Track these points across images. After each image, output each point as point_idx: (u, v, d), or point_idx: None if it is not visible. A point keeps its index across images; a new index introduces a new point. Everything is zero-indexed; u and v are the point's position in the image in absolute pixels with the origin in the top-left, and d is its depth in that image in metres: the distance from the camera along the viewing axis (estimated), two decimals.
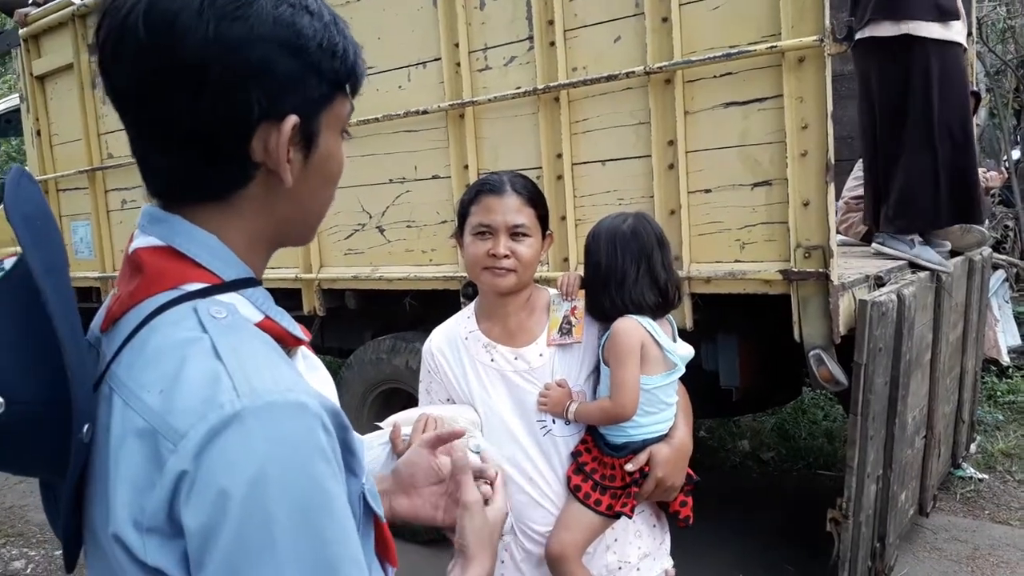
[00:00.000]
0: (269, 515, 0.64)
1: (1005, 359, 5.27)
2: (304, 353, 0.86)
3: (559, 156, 2.98)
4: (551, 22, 2.94)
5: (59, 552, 4.09)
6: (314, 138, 0.79)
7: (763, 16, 2.50)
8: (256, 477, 0.64)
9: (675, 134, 2.69)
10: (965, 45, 3.36)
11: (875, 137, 3.39)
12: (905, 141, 3.24)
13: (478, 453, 1.68)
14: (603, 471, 1.68)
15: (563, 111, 2.95)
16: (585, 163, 2.95)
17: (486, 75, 3.16)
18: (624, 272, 1.69)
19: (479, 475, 1.11)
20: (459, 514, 1.04)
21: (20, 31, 4.90)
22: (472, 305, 1.84)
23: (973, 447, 4.18)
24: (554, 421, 1.70)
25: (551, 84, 2.94)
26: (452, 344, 1.79)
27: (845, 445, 4.46)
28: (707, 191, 2.69)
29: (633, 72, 2.74)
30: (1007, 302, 5.81)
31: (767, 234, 2.59)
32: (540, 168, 3.03)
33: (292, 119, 0.75)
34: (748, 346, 3.01)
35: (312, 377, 0.82)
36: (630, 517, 1.69)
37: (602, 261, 1.71)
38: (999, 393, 4.88)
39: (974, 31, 4.31)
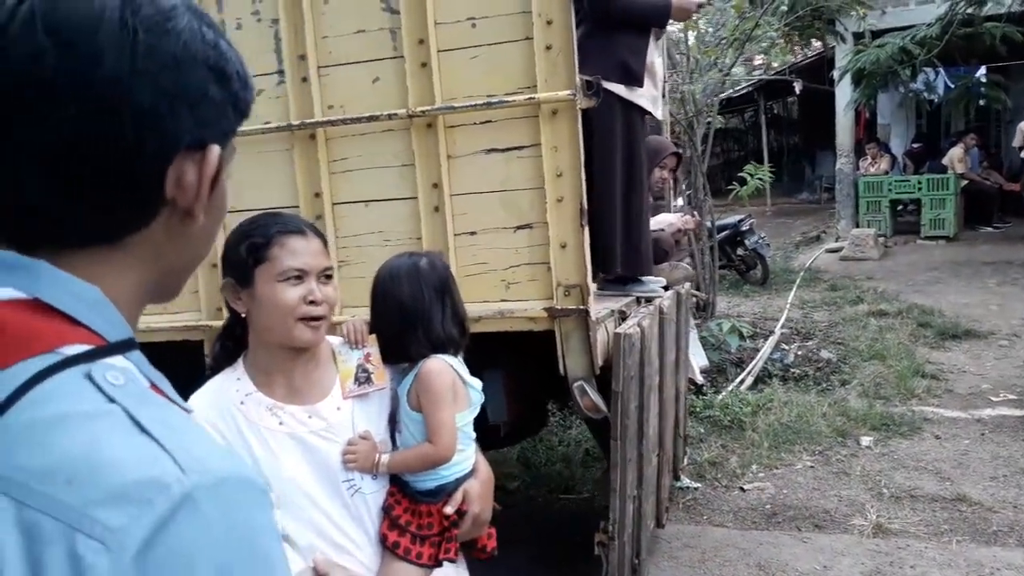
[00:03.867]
0: None
1: (699, 378, 6.03)
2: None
3: (317, 195, 2.87)
4: (303, 57, 2.83)
5: None
6: (219, 174, 0.69)
7: (519, 69, 2.64)
8: (221, 569, 0.54)
9: (439, 177, 2.73)
10: (651, 111, 3.72)
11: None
12: (597, 191, 3.47)
13: (284, 536, 1.52)
14: (418, 521, 1.62)
15: (320, 149, 2.85)
16: (347, 203, 2.87)
17: None
18: (431, 310, 1.67)
19: None
20: None
21: None
22: (239, 364, 1.65)
23: (685, 459, 4.71)
24: (362, 478, 1.61)
25: (306, 120, 2.83)
26: (223, 412, 1.58)
27: (584, 469, 4.80)
28: (472, 233, 2.75)
29: (395, 114, 2.73)
30: (693, 328, 6.68)
31: (530, 274, 2.72)
32: (297, 207, 2.88)
33: (216, 150, 0.66)
34: (512, 381, 3.11)
35: None
36: (454, 561, 1.64)
37: (407, 302, 1.67)
38: (698, 409, 5.56)
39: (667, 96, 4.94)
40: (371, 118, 2.76)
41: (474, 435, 1.73)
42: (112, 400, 0.58)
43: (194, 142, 0.65)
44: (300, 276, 1.53)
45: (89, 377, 0.59)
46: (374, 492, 1.62)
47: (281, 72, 2.87)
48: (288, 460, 1.56)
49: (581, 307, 2.64)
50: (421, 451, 1.61)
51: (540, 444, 5.22)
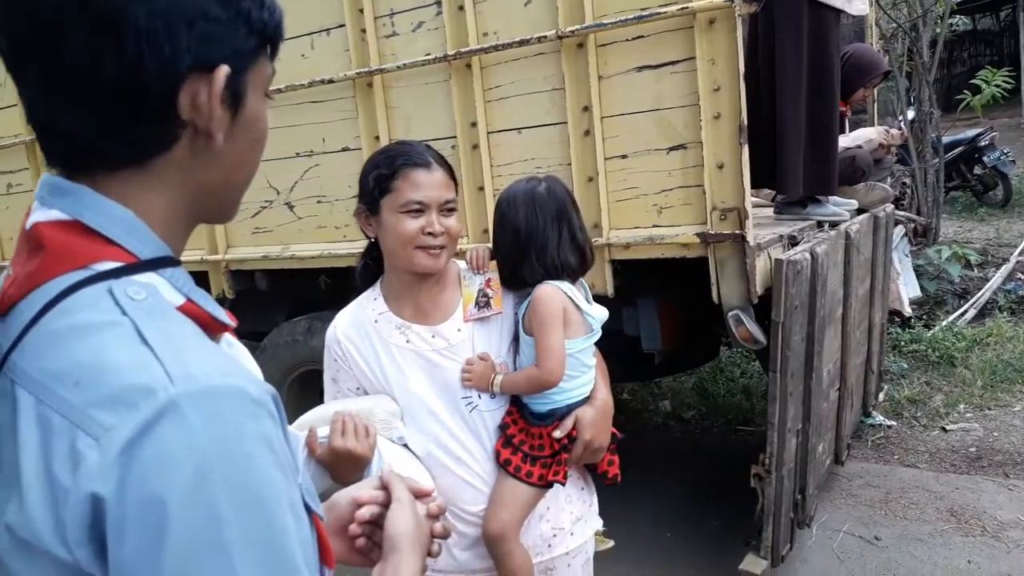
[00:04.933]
0: (216, 512, 0.58)
1: (907, 310, 5.52)
2: (228, 340, 0.79)
3: (473, 125, 2.90)
4: None
5: None
6: (242, 95, 0.72)
7: None
8: (199, 472, 0.57)
9: (590, 99, 2.65)
10: (848, 11, 3.37)
11: (756, 98, 3.36)
12: (777, 104, 3.21)
13: (403, 445, 1.62)
14: (531, 442, 1.65)
15: (476, 78, 2.87)
16: (501, 131, 2.88)
17: (394, 41, 3.04)
18: (546, 236, 1.65)
19: (418, 495, 1.02)
20: (390, 511, 0.97)
21: None
22: (376, 286, 1.75)
23: (881, 396, 4.37)
24: (480, 396, 1.66)
25: (462, 50, 2.85)
26: (360, 329, 1.70)
27: (765, 401, 4.61)
28: (623, 156, 2.67)
29: (545, 36, 2.68)
30: (907, 256, 6.08)
31: (683, 198, 2.60)
32: (455, 137, 2.94)
33: (224, 69, 0.68)
34: (668, 309, 3.03)
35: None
36: (563, 484, 1.67)
37: (521, 227, 1.66)
38: (903, 343, 5.11)
39: None
40: (522, 42, 2.73)
41: (592, 363, 1.71)
42: (125, 313, 0.64)
43: (199, 62, 0.67)
44: (420, 208, 1.57)
45: (110, 292, 0.65)
46: (491, 410, 1.67)
47: (439, 3, 2.91)
48: (413, 375, 1.65)
49: (737, 232, 2.49)
50: (529, 373, 1.63)
51: (721, 375, 5.08)
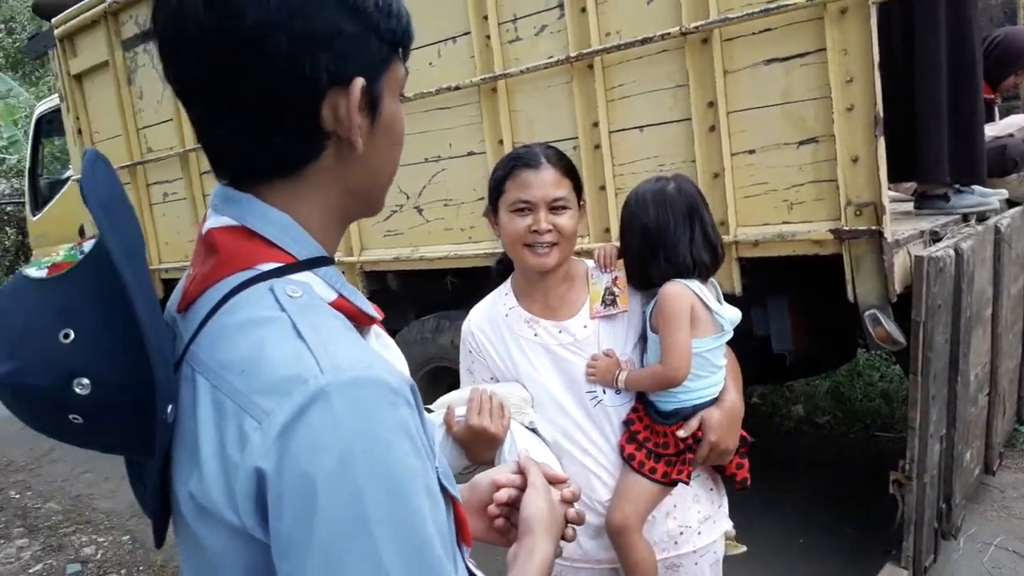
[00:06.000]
0: (359, 492, 0.63)
1: None
2: (376, 332, 0.85)
3: (595, 124, 2.92)
4: None
5: (126, 537, 4.22)
6: (378, 101, 0.78)
7: None
8: (344, 454, 0.63)
9: (715, 95, 2.61)
10: None
11: (892, 85, 3.17)
12: (917, 90, 3.03)
13: (533, 430, 1.67)
14: (656, 439, 1.65)
15: (597, 78, 2.89)
16: (622, 130, 2.89)
17: (517, 46, 3.11)
18: (677, 234, 1.65)
19: (552, 481, 1.06)
20: (525, 495, 1.02)
21: (55, 31, 4.97)
22: (508, 282, 1.82)
23: None
24: (604, 391, 1.68)
25: (584, 51, 2.88)
26: (492, 322, 1.77)
27: (907, 406, 4.37)
28: (751, 152, 2.61)
29: (668, 34, 2.66)
30: None
31: (816, 193, 2.51)
32: (576, 138, 2.97)
33: (360, 82, 0.75)
34: (799, 308, 2.93)
35: (386, 356, 0.81)
36: (687, 483, 1.66)
37: (652, 225, 1.66)
38: None
39: None
40: (644, 40, 2.72)
41: (721, 364, 1.69)
42: (283, 309, 0.71)
43: (336, 77, 0.74)
44: (528, 207, 1.61)
45: (271, 290, 0.73)
46: (616, 406, 1.69)
47: (561, 6, 2.94)
48: (542, 367, 1.70)
49: (874, 228, 2.38)
50: (653, 370, 1.63)
51: (858, 379, 4.85)
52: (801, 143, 2.51)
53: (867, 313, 2.46)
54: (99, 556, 4.14)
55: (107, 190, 0.73)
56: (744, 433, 1.72)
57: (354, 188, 0.82)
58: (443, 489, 0.78)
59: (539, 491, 1.00)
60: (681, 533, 1.71)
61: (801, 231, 2.53)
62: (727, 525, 1.79)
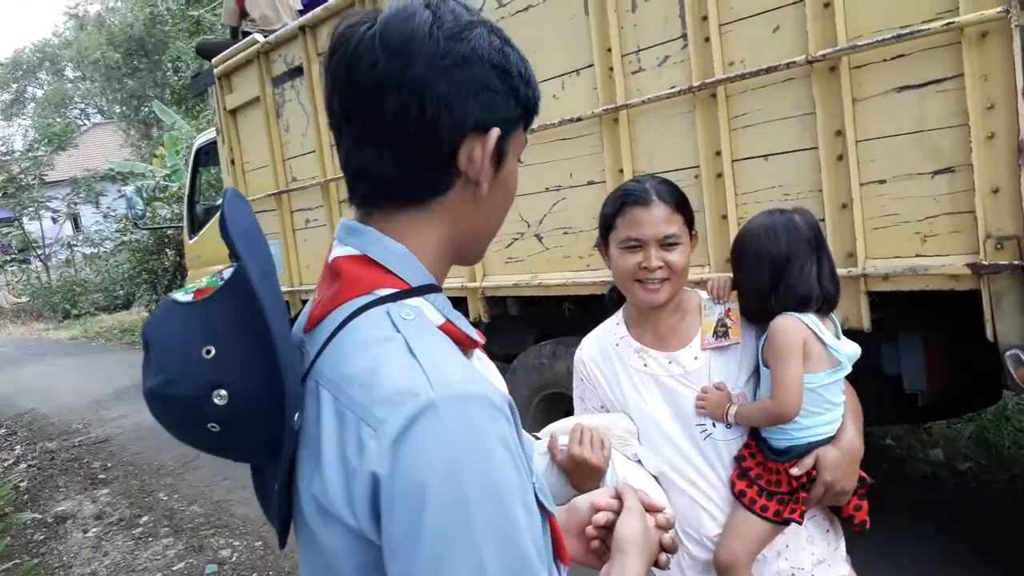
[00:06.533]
0: (465, 497, 0.69)
1: None
2: (479, 356, 0.92)
3: (718, 153, 2.90)
4: (705, 18, 2.87)
5: (259, 543, 4.48)
6: (505, 155, 0.87)
7: None
8: (450, 462, 0.70)
9: (843, 123, 2.54)
10: None
11: None
12: None
13: (637, 461, 1.68)
14: (768, 476, 1.62)
15: (720, 107, 2.87)
16: (746, 159, 2.85)
17: (639, 77, 3.14)
18: (808, 265, 1.62)
19: (648, 508, 1.09)
20: (620, 518, 1.05)
21: (215, 70, 5.44)
22: (620, 311, 1.83)
23: None
24: (714, 425, 1.67)
25: (707, 80, 2.87)
26: (603, 351, 1.79)
27: None
28: (882, 182, 2.52)
29: (794, 62, 2.62)
30: None
31: (951, 225, 2.39)
32: (698, 167, 2.96)
33: (496, 131, 0.83)
34: (934, 346, 2.78)
35: (488, 377, 0.87)
36: (799, 523, 1.62)
37: (782, 255, 1.62)
38: None
39: None
40: (769, 69, 2.69)
41: (839, 400, 1.63)
42: (398, 330, 0.79)
43: (479, 124, 0.83)
44: (638, 244, 1.63)
45: (388, 313, 0.81)
46: (727, 440, 1.66)
47: (684, 36, 2.96)
48: (650, 398, 1.71)
49: (1017, 262, 2.24)
50: (763, 406, 1.60)
51: (1007, 424, 4.49)
52: (936, 173, 2.40)
53: (1008, 353, 2.31)
54: (234, 559, 4.41)
55: (245, 222, 0.83)
56: (863, 474, 1.66)
57: (468, 230, 0.90)
58: (540, 505, 0.82)
59: (634, 514, 1.03)
60: (793, 574, 1.66)
61: (935, 265, 2.41)
62: (844, 570, 1.71)
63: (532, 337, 4.20)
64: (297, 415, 0.78)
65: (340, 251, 0.88)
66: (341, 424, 0.76)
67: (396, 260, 0.86)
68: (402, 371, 0.74)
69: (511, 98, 0.85)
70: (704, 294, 1.78)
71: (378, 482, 0.71)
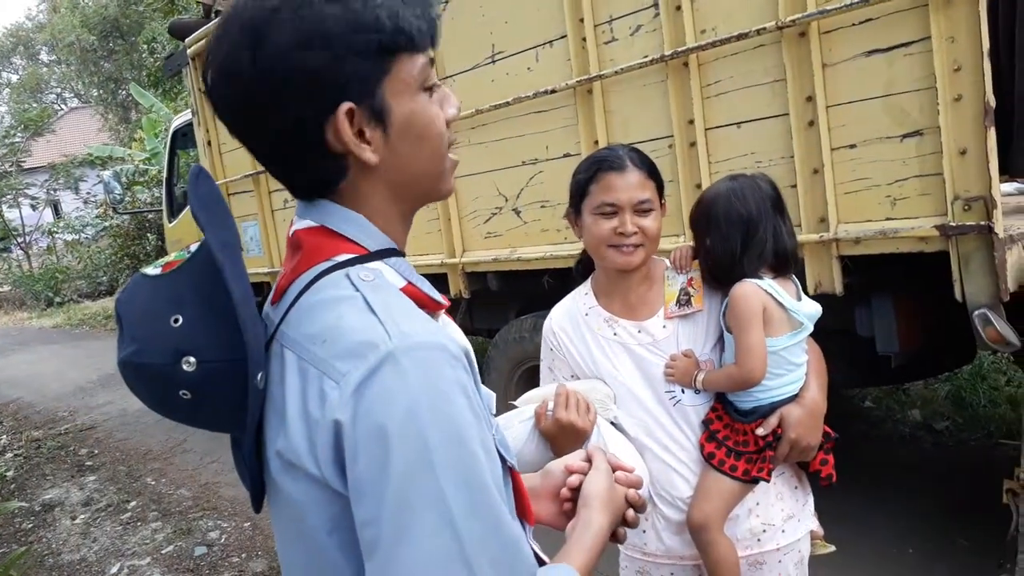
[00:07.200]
0: (425, 438, 0.72)
1: None
2: (444, 320, 0.93)
3: (691, 122, 2.91)
4: None
5: (247, 524, 4.51)
6: (383, 111, 0.84)
7: None
8: (411, 408, 0.72)
9: (813, 89, 2.56)
10: None
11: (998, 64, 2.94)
12: (1015, 84, 2.79)
13: (616, 425, 1.70)
14: (736, 437, 1.65)
15: (693, 76, 2.88)
16: (719, 127, 2.86)
17: (612, 47, 3.13)
18: (775, 225, 1.64)
19: (616, 468, 1.12)
20: (587, 477, 1.07)
21: (188, 50, 5.37)
22: (588, 281, 1.85)
23: None
24: (683, 391, 1.69)
25: (679, 49, 2.87)
26: (573, 321, 1.81)
27: None
28: (852, 146, 2.54)
29: (764, 28, 2.62)
30: None
31: (920, 188, 2.42)
32: (671, 136, 2.97)
33: (344, 107, 0.82)
34: (906, 308, 2.81)
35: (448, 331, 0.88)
36: (767, 481, 1.65)
37: (753, 216, 1.63)
38: None
39: None
40: (740, 36, 2.69)
41: (800, 360, 1.66)
42: (357, 289, 0.81)
43: (322, 109, 0.82)
44: (613, 210, 1.64)
45: (347, 275, 0.83)
46: (695, 405, 1.69)
47: (656, 5, 2.95)
48: (621, 366, 1.73)
49: (984, 223, 2.27)
50: (729, 372, 1.63)
51: (982, 383, 4.57)
52: (905, 136, 2.42)
53: (977, 313, 2.34)
54: (223, 540, 4.44)
55: (207, 196, 0.84)
56: (828, 428, 1.70)
57: (398, 186, 0.89)
58: (502, 458, 0.85)
59: (601, 473, 1.06)
60: (764, 531, 1.70)
61: (905, 228, 2.44)
62: (813, 524, 1.76)
63: (513, 311, 4.22)
64: (260, 374, 0.80)
65: (300, 224, 0.90)
66: (304, 380, 0.78)
67: (353, 227, 0.88)
68: (362, 326, 0.77)
69: (348, 60, 0.80)
70: (668, 261, 1.80)
71: (340, 429, 0.73)
